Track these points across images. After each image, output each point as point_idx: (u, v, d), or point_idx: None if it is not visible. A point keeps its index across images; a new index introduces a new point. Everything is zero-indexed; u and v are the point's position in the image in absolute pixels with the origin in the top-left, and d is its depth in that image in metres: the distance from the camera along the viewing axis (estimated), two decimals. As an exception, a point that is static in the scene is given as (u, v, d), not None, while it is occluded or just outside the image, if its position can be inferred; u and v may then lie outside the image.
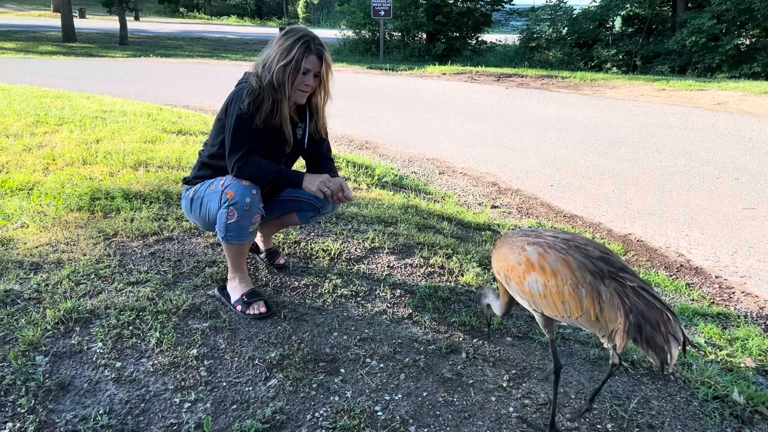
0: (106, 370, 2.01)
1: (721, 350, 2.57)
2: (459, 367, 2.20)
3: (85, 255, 2.78)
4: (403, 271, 2.94)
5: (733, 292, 3.30)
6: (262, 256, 2.88)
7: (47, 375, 1.95)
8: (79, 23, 27.51)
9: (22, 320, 2.22)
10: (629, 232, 4.16)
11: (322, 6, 46.82)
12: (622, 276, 1.66)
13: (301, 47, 2.26)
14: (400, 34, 21.01)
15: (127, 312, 2.31)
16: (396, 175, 5.05)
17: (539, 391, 2.09)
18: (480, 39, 21.28)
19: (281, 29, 2.57)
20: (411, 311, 2.56)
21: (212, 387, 1.98)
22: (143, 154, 4.51)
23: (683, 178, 5.37)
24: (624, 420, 1.98)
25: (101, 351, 2.10)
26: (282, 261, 2.89)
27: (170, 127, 5.83)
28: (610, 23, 18.59)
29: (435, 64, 15.86)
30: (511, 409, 2.00)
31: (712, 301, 3.20)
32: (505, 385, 2.12)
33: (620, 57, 17.42)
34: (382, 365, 2.17)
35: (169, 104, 8.27)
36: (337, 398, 1.98)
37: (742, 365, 2.46)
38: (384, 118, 8.20)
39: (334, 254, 3.04)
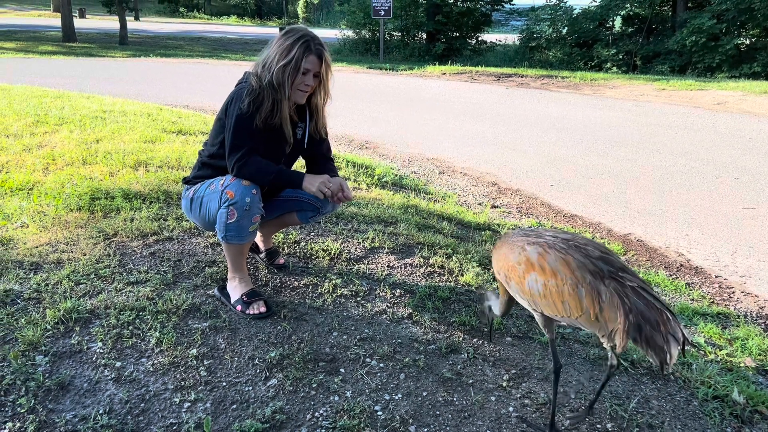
0: (106, 370, 2.01)
1: (720, 350, 2.57)
2: (459, 366, 2.20)
3: (84, 255, 2.78)
4: (403, 271, 2.94)
5: (733, 292, 3.30)
6: (262, 255, 2.88)
7: (47, 375, 1.95)
8: (79, 23, 27.51)
9: (22, 320, 2.22)
10: (629, 232, 4.16)
11: (322, 6, 46.82)
12: (621, 276, 1.66)
13: (300, 47, 2.26)
14: (400, 34, 21.01)
15: (127, 312, 2.31)
16: (396, 175, 5.05)
17: (539, 391, 2.09)
18: (480, 39, 21.28)
19: (281, 29, 2.57)
20: (411, 311, 2.56)
21: (212, 387, 1.98)
22: (143, 154, 4.52)
23: (683, 178, 5.37)
24: (624, 420, 1.98)
25: (101, 351, 2.10)
26: (282, 261, 2.89)
27: (170, 127, 5.83)
28: (610, 23, 18.59)
29: (435, 64, 15.86)
30: (510, 408, 2.00)
31: (711, 300, 3.20)
32: (505, 384, 2.12)
33: (620, 57, 17.42)
34: (382, 365, 2.17)
35: (169, 104, 8.27)
36: (336, 398, 1.98)
37: (741, 365, 2.46)
38: (384, 117, 8.20)
39: (334, 254, 3.04)
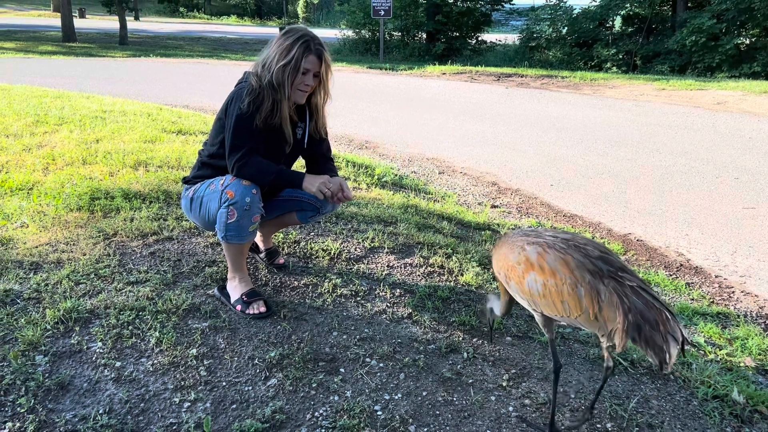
0: (106, 370, 2.01)
1: (720, 349, 2.57)
2: (459, 366, 2.20)
3: (84, 255, 2.78)
4: (403, 271, 2.94)
5: (733, 292, 3.31)
6: (262, 255, 2.88)
7: (47, 375, 1.95)
8: (78, 23, 27.51)
9: (22, 320, 2.22)
10: (629, 232, 4.16)
11: (322, 6, 46.83)
12: (621, 275, 1.66)
13: (300, 47, 2.26)
14: (400, 33, 21.01)
15: (127, 312, 2.32)
16: (396, 175, 5.05)
17: (539, 391, 2.09)
18: (480, 39, 21.28)
19: (281, 29, 2.57)
20: (411, 311, 2.56)
21: (212, 386, 1.98)
22: (143, 154, 4.52)
23: (683, 178, 5.37)
24: (624, 419, 1.98)
25: (101, 351, 2.10)
26: (282, 260, 2.89)
27: (170, 127, 5.83)
28: (610, 23, 18.59)
29: (435, 64, 15.86)
30: (510, 408, 2.00)
31: (711, 300, 3.20)
32: (504, 384, 2.12)
33: (620, 57, 17.41)
34: (381, 365, 2.17)
35: (169, 104, 8.27)
36: (336, 398, 1.98)
37: (741, 364, 2.46)
38: (384, 117, 8.20)
39: (334, 254, 3.04)
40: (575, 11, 18.69)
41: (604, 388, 2.13)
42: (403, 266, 2.99)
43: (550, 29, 18.80)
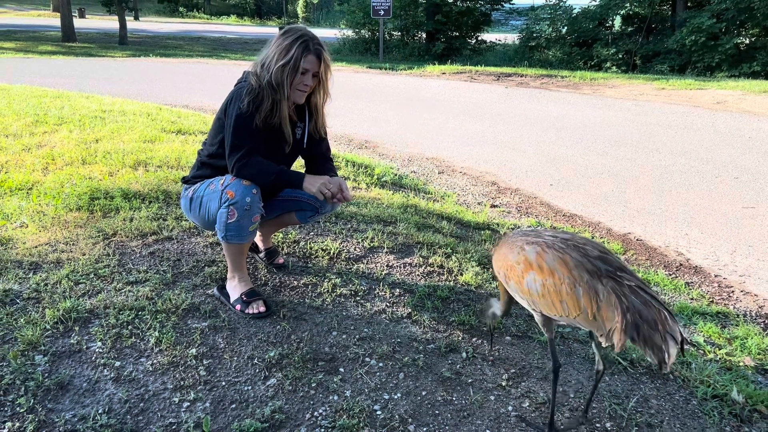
0: (105, 370, 2.01)
1: (720, 349, 2.57)
2: (458, 366, 2.20)
3: (84, 254, 2.78)
4: (403, 271, 2.94)
5: (733, 291, 3.31)
6: (262, 255, 2.88)
7: (46, 374, 1.95)
8: (78, 23, 27.49)
9: (22, 320, 2.22)
10: (628, 231, 4.17)
11: (322, 5, 46.82)
12: (619, 275, 1.66)
13: (299, 47, 2.26)
14: (399, 33, 21.02)
15: (126, 311, 2.32)
16: (395, 175, 5.05)
17: (538, 390, 2.10)
18: (480, 38, 21.29)
19: (280, 29, 2.57)
20: (410, 310, 2.56)
21: (211, 386, 1.98)
22: (142, 154, 4.52)
23: (683, 177, 5.37)
24: (623, 419, 1.98)
25: (100, 350, 2.10)
26: (281, 260, 2.89)
27: (169, 127, 5.83)
28: (610, 22, 18.59)
29: (434, 64, 15.85)
30: (510, 408, 2.00)
31: (711, 299, 3.20)
32: (504, 384, 2.12)
33: (620, 56, 17.42)
34: (381, 364, 2.17)
35: (169, 104, 8.27)
36: (336, 397, 1.98)
37: (741, 364, 2.46)
38: (383, 117, 8.20)
39: (334, 253, 3.04)
40: (575, 11, 18.70)
41: (602, 389, 2.14)
42: (402, 266, 2.99)
43: (550, 29, 18.81)
